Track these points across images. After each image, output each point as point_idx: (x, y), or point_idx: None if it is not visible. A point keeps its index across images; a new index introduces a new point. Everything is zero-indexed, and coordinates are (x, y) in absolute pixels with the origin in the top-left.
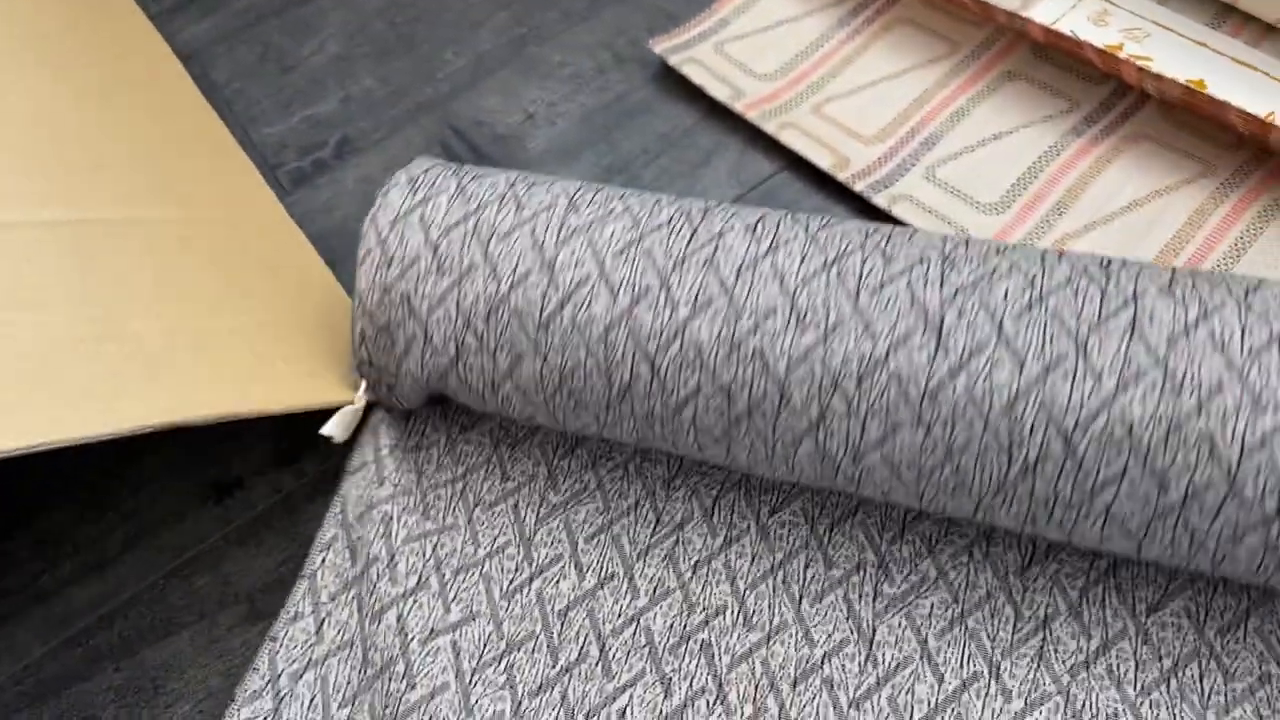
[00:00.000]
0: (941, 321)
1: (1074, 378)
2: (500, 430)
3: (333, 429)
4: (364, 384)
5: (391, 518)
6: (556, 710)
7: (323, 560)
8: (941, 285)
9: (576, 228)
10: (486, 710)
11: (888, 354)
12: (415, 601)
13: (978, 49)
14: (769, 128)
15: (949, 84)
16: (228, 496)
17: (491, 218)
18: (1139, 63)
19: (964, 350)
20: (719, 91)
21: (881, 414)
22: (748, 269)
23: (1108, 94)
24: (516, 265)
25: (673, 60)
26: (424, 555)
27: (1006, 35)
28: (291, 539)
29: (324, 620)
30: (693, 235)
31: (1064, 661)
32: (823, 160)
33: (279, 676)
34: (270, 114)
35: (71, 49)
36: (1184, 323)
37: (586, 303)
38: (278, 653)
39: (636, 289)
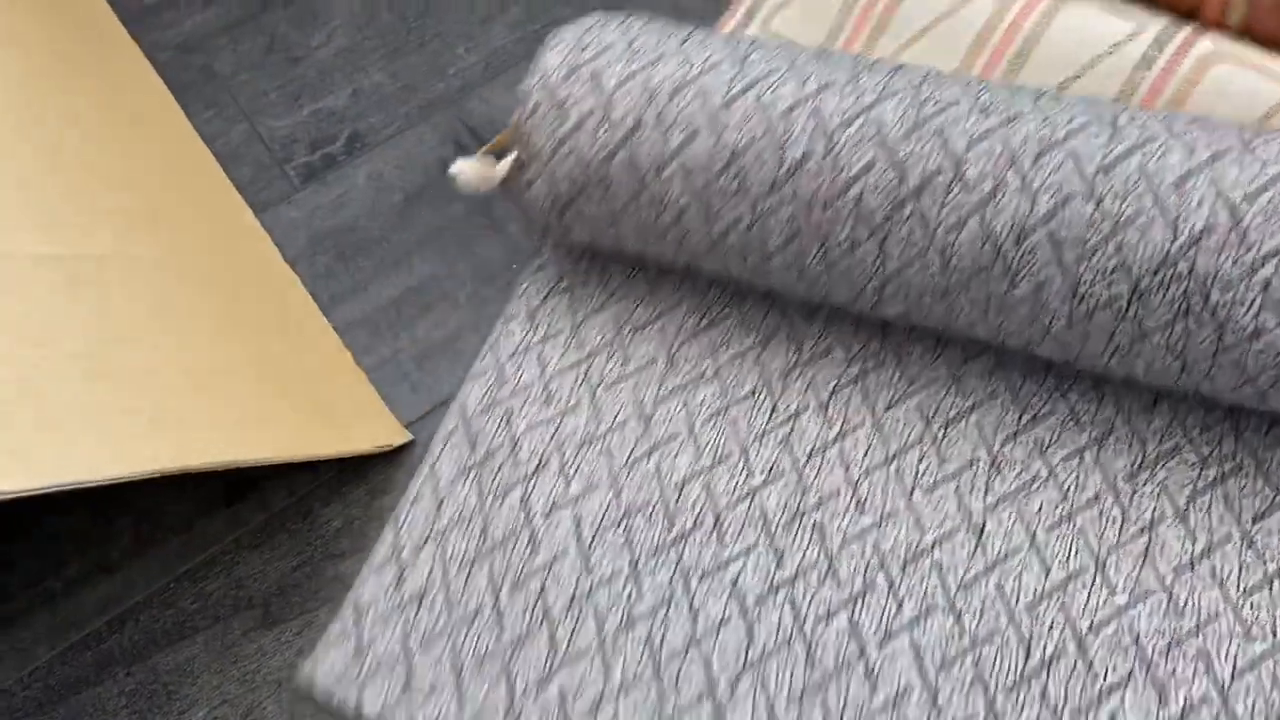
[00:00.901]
0: (1115, 117)
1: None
2: (622, 313)
3: (462, 169)
4: (510, 158)
5: (513, 411)
6: (672, 570)
7: (442, 450)
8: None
9: (780, 45)
10: (606, 569)
11: (1066, 136)
12: (537, 481)
13: None
14: None
15: None
16: (240, 499)
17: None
18: None
19: (1138, 137)
20: None
21: (1054, 188)
22: (935, 74)
23: None
24: (709, 56)
25: None
26: (545, 439)
27: None
28: (307, 542)
29: (443, 500)
30: (879, 64)
31: (1169, 562)
32: None
33: (402, 550)
34: (279, 107)
35: (60, 72)
36: None
37: (774, 86)
38: (400, 530)
39: (822, 80)
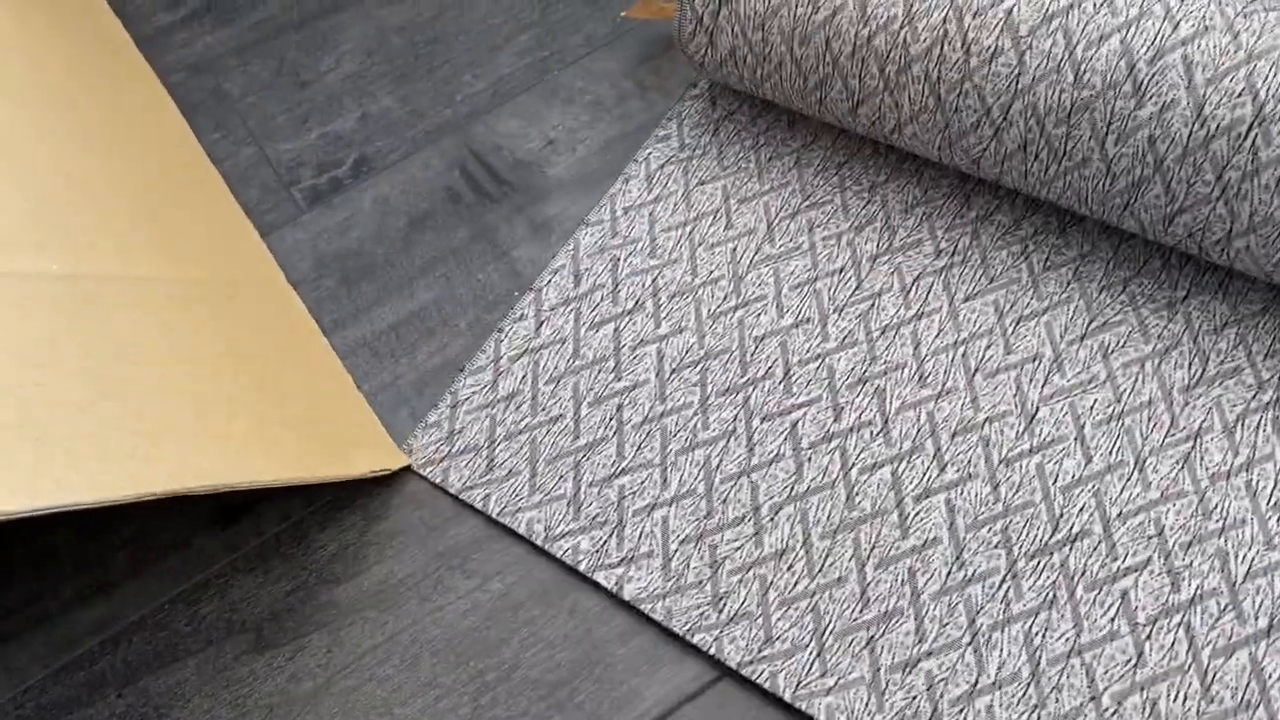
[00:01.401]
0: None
1: None
2: (731, 186)
3: None
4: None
5: (619, 259)
6: (738, 410)
7: (549, 280)
8: None
9: None
10: (678, 400)
11: None
12: (630, 319)
13: None
14: None
15: None
16: (235, 522)
17: None
18: None
19: None
20: None
21: (1196, 17)
22: None
23: None
24: None
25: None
26: (644, 285)
27: None
28: (301, 567)
29: (543, 322)
30: None
31: (1206, 469)
32: None
33: (500, 358)
34: (287, 129)
35: (75, 91)
36: None
37: None
38: (501, 341)
39: None
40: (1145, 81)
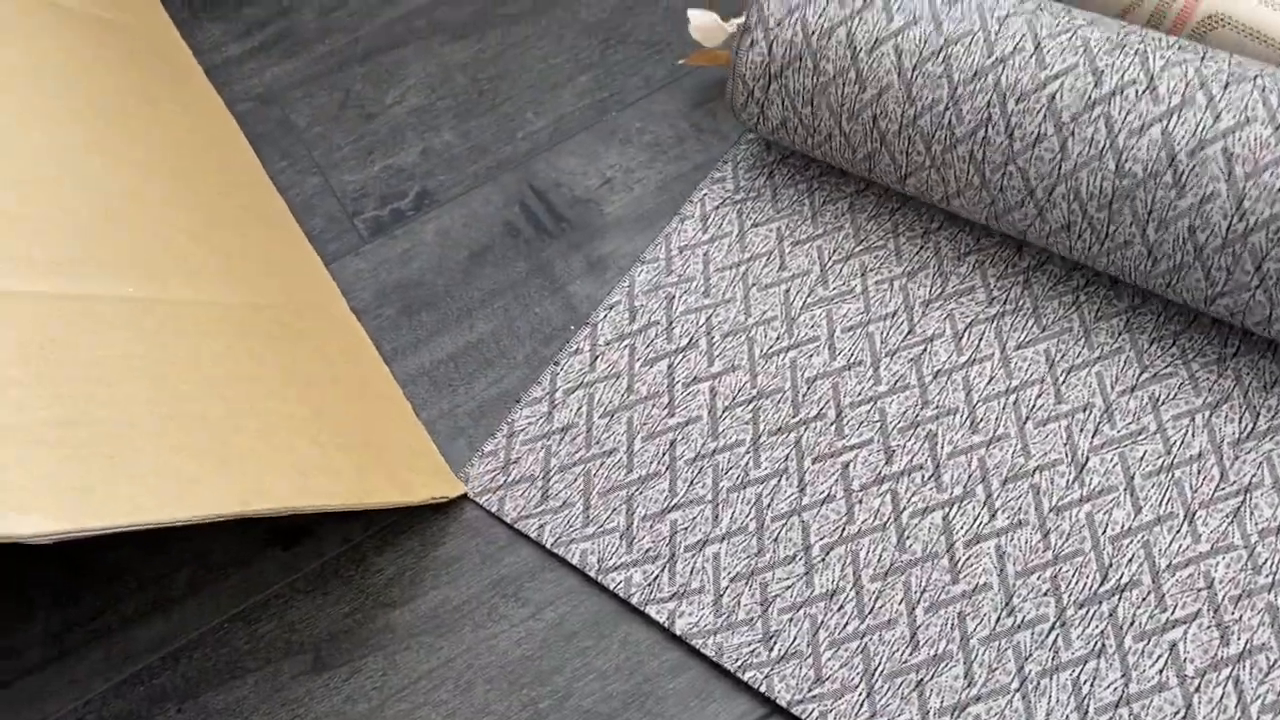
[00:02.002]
0: None
1: None
2: (785, 228)
3: (696, 18)
4: (740, 20)
5: (674, 296)
6: (789, 450)
7: (605, 316)
8: None
9: None
10: (731, 438)
11: (1255, 76)
12: (684, 356)
13: None
14: None
15: None
16: (295, 544)
17: None
18: None
19: None
20: None
21: (1238, 109)
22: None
23: None
24: None
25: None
26: (698, 323)
27: None
28: (359, 590)
29: (598, 357)
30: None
31: (1257, 524)
32: None
33: (556, 391)
34: (351, 161)
35: (147, 118)
36: None
37: None
38: (557, 374)
39: (1040, 4)
40: (1185, 173)
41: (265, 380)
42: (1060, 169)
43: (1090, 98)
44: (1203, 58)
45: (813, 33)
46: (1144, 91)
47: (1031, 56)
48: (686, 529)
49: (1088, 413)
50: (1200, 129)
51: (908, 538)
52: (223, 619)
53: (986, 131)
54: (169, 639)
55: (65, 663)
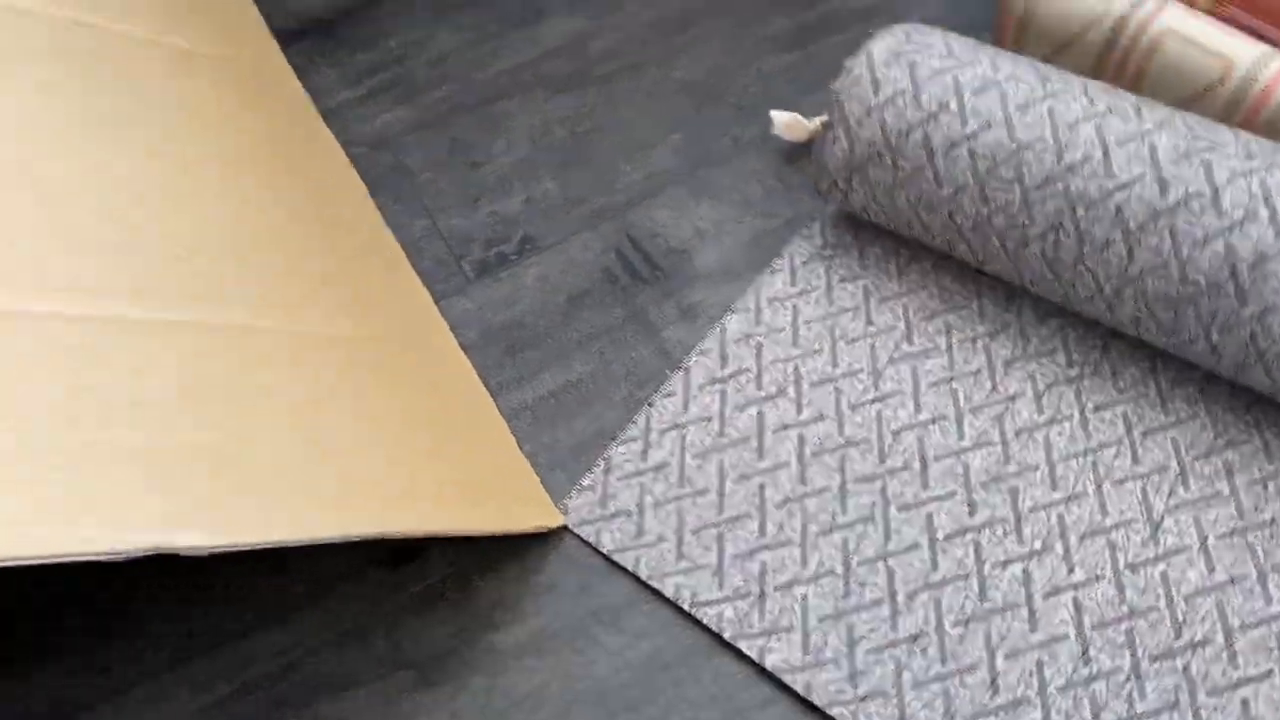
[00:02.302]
0: None
1: None
2: (872, 285)
3: (779, 118)
4: (821, 119)
5: (763, 345)
6: (875, 498)
7: (697, 361)
8: None
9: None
10: (819, 483)
11: None
12: (774, 404)
13: None
14: None
15: None
16: (405, 564)
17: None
18: None
19: None
20: None
21: None
22: (1209, 121)
23: None
24: (1014, 69)
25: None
26: (787, 373)
27: None
28: (465, 612)
29: (691, 399)
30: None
31: None
32: None
33: (650, 430)
34: (459, 206)
35: (268, 157)
36: None
37: (1066, 102)
38: (651, 415)
39: (1109, 105)
40: (1247, 286)
41: (387, 410)
42: (1127, 272)
43: (1156, 208)
44: (1269, 166)
45: (891, 132)
46: (1208, 205)
47: (1100, 164)
48: (776, 569)
49: (1164, 474)
50: (1260, 244)
51: (989, 587)
52: (336, 633)
53: (1058, 235)
54: (286, 649)
55: (185, 669)
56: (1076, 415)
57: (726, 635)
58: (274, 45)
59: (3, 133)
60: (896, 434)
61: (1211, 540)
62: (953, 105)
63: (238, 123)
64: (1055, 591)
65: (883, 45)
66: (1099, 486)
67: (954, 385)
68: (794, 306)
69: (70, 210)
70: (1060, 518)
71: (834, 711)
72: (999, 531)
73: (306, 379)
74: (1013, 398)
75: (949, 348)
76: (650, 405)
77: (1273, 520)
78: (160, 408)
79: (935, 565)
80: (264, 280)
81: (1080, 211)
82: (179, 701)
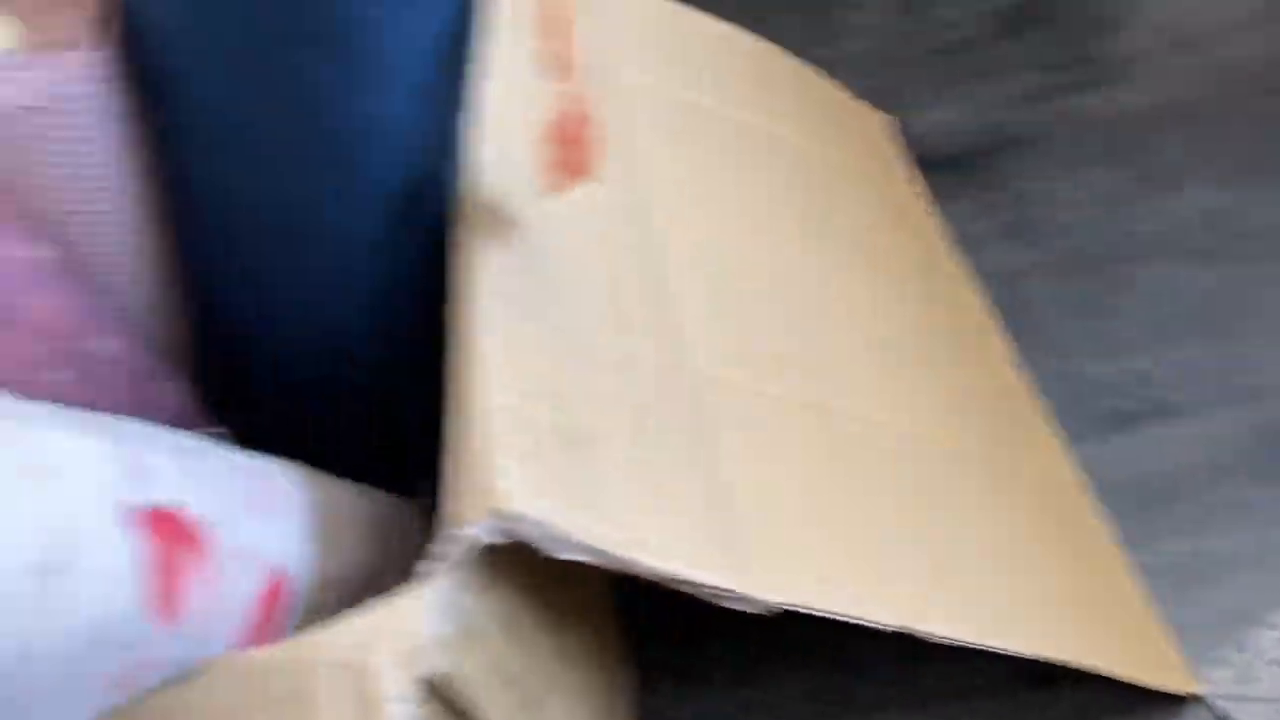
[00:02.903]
0: None
1: None
2: None
3: None
4: None
5: None
6: None
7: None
8: None
9: None
10: None
11: None
12: None
13: None
14: None
15: None
16: (1044, 688)
17: None
18: None
19: None
20: None
21: None
22: None
23: None
24: None
25: None
26: None
27: None
28: None
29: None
30: None
31: None
32: None
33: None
34: (1091, 355)
35: (909, 283)
36: None
37: None
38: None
39: None
40: None
41: (1036, 538)
42: None
43: None
44: None
45: None
46: None
47: None
48: None
49: None
50: None
51: None
52: None
53: None
54: None
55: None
56: None
57: None
58: (916, 172)
59: (749, 229)
60: None
61: None
62: None
63: (880, 240)
64: None
65: None
66: None
67: None
68: None
69: (789, 306)
70: None
71: None
72: None
73: (951, 489)
74: None
75: None
76: (1271, 628)
77: None
78: (911, 504)
79: None
80: (904, 392)
81: None
82: None
